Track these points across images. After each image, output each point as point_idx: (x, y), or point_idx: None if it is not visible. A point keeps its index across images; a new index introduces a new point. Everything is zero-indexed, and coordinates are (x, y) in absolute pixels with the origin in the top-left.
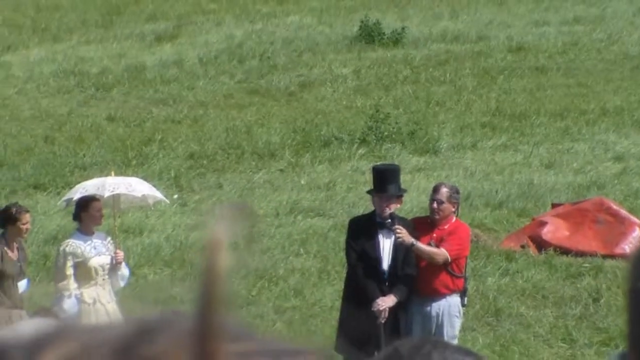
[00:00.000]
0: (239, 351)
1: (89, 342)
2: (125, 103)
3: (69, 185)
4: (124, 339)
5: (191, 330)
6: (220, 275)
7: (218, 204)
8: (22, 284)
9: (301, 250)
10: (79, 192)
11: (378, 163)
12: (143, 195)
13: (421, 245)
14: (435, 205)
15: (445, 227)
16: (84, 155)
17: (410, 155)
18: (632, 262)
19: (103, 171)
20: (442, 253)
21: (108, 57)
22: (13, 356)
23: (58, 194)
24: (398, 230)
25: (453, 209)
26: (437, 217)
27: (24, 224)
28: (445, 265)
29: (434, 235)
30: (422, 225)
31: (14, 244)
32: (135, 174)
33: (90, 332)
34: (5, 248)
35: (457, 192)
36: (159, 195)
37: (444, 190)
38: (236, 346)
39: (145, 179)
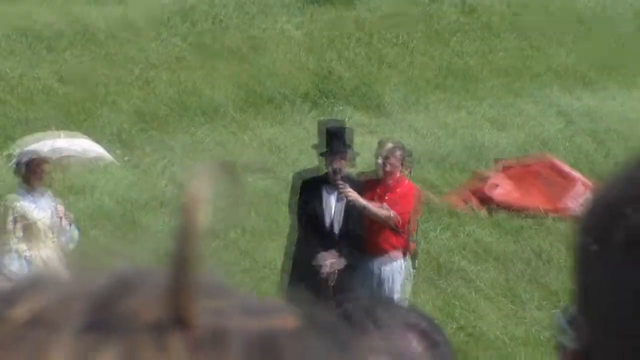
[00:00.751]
0: (214, 307)
1: (63, 295)
2: (75, 64)
3: (17, 145)
4: (100, 292)
5: (166, 286)
6: (196, 232)
7: (198, 162)
8: None
9: (251, 212)
10: (25, 150)
11: (325, 119)
12: (91, 154)
13: (373, 208)
14: (380, 161)
15: (397, 190)
16: (34, 117)
17: (357, 114)
18: (580, 219)
19: (53, 132)
20: (392, 216)
21: (59, 19)
22: None
23: (8, 156)
24: (350, 193)
25: (399, 167)
26: (383, 173)
27: None
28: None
29: (387, 197)
30: (371, 185)
31: None
32: (84, 134)
33: (65, 285)
34: None
35: (403, 148)
36: (106, 154)
37: (389, 146)
38: (211, 302)
39: (95, 139)
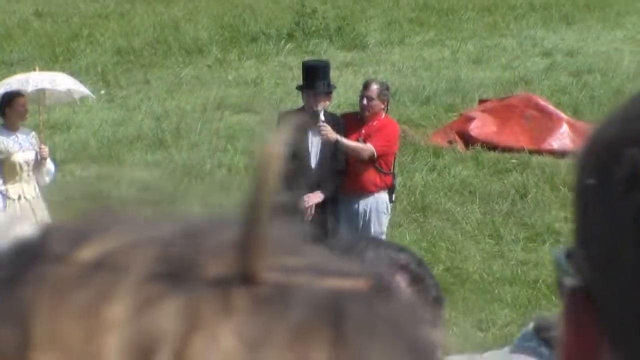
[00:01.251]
0: (284, 265)
1: (131, 239)
2: None
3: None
4: (168, 240)
5: (235, 239)
6: (270, 187)
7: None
8: None
9: (228, 146)
10: (2, 87)
11: (307, 59)
12: (68, 89)
13: (346, 141)
14: (365, 101)
15: (374, 123)
16: (11, 52)
17: (338, 51)
18: (578, 157)
19: (29, 67)
20: (367, 148)
21: None
22: (53, 243)
23: None
24: (322, 127)
25: (383, 106)
26: (367, 113)
27: None
28: (373, 163)
29: (363, 132)
30: (352, 121)
31: None
32: (62, 69)
33: (134, 229)
34: None
35: (387, 88)
36: (84, 90)
37: (374, 87)
38: (282, 259)
39: (72, 74)
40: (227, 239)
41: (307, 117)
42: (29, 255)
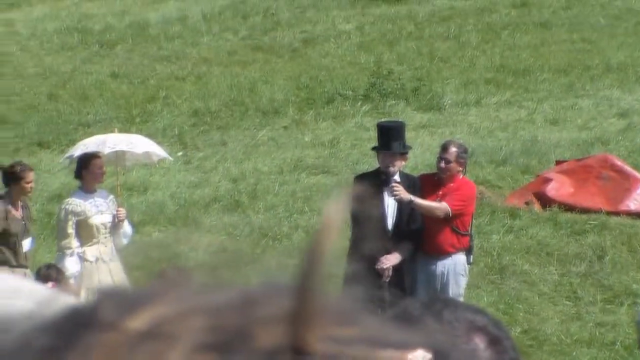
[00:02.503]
0: (336, 336)
1: (183, 307)
2: (128, 60)
3: (73, 143)
4: (221, 309)
5: (288, 310)
6: (324, 258)
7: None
8: (27, 243)
9: (305, 207)
10: (80, 149)
11: (383, 120)
12: (145, 152)
13: (420, 200)
14: (442, 164)
15: (451, 184)
16: (88, 113)
17: (414, 112)
18: None
19: (107, 129)
20: (442, 206)
21: (111, 14)
22: (105, 310)
23: (62, 151)
24: (395, 188)
25: (460, 168)
26: (444, 175)
27: (27, 183)
28: (450, 223)
29: (440, 193)
30: (429, 183)
31: (19, 202)
32: (139, 131)
33: (186, 297)
34: (10, 206)
35: (466, 151)
36: (162, 152)
37: (453, 149)
38: (335, 330)
39: (148, 136)
40: (280, 309)
41: (380, 179)
42: (80, 322)
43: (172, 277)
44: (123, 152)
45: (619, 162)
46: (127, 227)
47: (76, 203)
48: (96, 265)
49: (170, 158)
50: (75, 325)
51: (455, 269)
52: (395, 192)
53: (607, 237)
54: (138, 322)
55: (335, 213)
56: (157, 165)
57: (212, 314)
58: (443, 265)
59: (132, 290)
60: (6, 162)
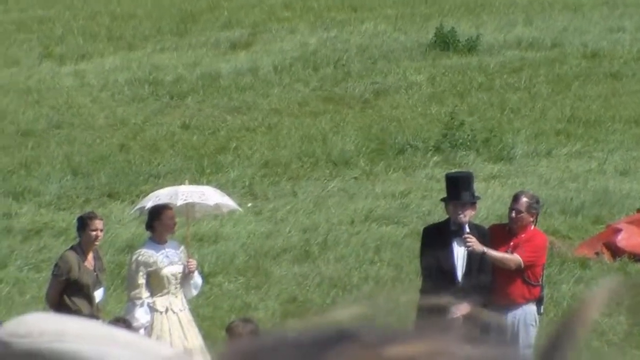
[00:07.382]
0: None
1: (440, 350)
2: (199, 111)
3: (143, 194)
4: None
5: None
6: (583, 330)
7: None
8: (99, 293)
9: (375, 258)
10: (151, 200)
11: (450, 171)
12: (216, 203)
13: (492, 252)
14: (514, 214)
15: (522, 235)
16: (158, 164)
17: (485, 163)
18: None
19: (177, 180)
20: (514, 258)
21: (182, 65)
22: (368, 334)
23: (132, 202)
24: (468, 239)
25: (531, 219)
26: (515, 226)
27: (93, 230)
28: (520, 274)
29: (511, 244)
30: (499, 233)
31: (91, 253)
32: (209, 182)
33: (446, 343)
34: (81, 257)
35: (537, 202)
36: (232, 203)
37: (524, 200)
38: None
39: (219, 187)
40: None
41: (450, 230)
42: (342, 337)
43: (436, 323)
44: (193, 204)
45: None
46: (197, 278)
47: (148, 254)
48: (166, 316)
49: (240, 209)
50: (338, 338)
51: (525, 319)
52: (468, 243)
53: None
54: (394, 351)
55: (603, 296)
56: (228, 217)
57: None
58: (513, 316)
59: (397, 328)
60: (77, 213)
